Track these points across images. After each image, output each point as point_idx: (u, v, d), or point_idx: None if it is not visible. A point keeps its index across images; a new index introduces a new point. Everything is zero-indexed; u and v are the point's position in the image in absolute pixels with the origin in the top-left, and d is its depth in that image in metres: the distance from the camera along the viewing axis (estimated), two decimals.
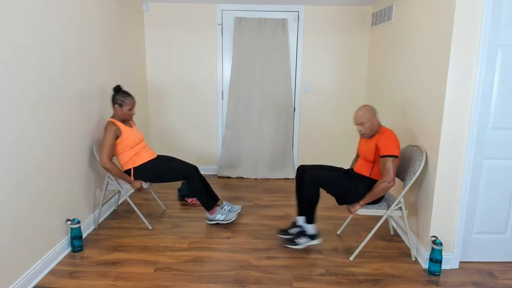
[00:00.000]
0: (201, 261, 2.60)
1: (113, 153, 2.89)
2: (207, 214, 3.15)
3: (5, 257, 2.06)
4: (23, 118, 2.16)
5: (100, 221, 3.19)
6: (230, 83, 4.33)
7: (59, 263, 2.54)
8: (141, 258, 2.61)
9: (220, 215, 3.14)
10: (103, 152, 2.82)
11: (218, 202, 3.22)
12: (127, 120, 3.05)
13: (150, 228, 3.08)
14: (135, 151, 2.98)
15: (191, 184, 3.00)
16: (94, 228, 3.06)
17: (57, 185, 2.54)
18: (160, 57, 4.35)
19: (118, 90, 2.96)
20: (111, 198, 3.40)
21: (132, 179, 2.96)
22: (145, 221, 3.12)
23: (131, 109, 2.96)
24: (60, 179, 2.58)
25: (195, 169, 3.06)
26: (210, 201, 3.10)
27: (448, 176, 2.44)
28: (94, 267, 2.49)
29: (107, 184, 3.03)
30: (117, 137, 2.88)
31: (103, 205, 3.18)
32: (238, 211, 3.26)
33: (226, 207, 3.23)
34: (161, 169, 2.98)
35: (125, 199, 3.71)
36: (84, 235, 2.90)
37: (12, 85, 2.05)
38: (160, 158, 3.17)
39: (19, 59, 2.10)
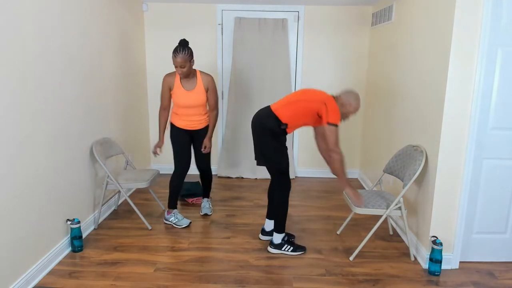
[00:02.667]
0: (201, 261, 2.60)
1: (167, 103, 3.03)
2: (166, 213, 3.19)
3: (5, 257, 2.06)
4: (23, 119, 2.16)
5: (100, 221, 3.19)
6: (230, 83, 4.33)
7: (59, 263, 2.54)
8: (141, 258, 2.61)
9: (174, 218, 3.13)
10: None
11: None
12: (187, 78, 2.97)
13: (150, 228, 3.08)
14: (178, 110, 3.02)
15: (173, 178, 3.10)
16: (94, 228, 3.06)
17: (57, 185, 2.53)
18: (160, 57, 4.35)
19: (179, 43, 2.85)
20: (111, 198, 3.40)
21: (163, 134, 3.11)
22: (145, 221, 3.11)
23: (176, 67, 2.81)
24: (60, 179, 2.58)
25: (181, 170, 3.08)
26: (176, 202, 3.17)
27: (448, 176, 2.44)
28: (94, 267, 2.49)
29: (106, 184, 3.03)
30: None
31: (103, 205, 3.18)
32: (186, 225, 3.12)
33: (176, 214, 3.17)
34: (175, 148, 3.08)
35: (125, 199, 3.71)
36: (84, 235, 2.89)
37: (12, 86, 2.05)
38: (192, 139, 3.15)
39: (19, 60, 2.10)
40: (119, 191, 3.50)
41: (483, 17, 2.22)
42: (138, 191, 3.50)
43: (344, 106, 2.52)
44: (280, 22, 4.20)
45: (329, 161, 2.73)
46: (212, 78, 3.01)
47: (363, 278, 2.41)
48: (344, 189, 2.47)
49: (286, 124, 2.52)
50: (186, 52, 2.78)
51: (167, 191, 4.01)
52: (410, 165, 2.60)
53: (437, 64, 2.46)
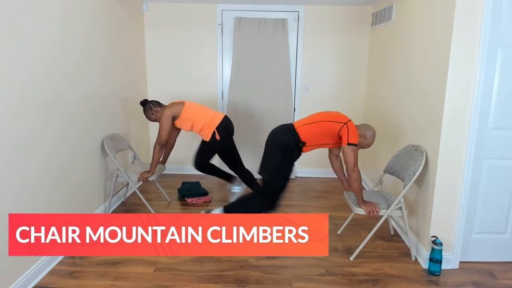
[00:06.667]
0: (201, 261, 2.59)
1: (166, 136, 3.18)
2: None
3: (5, 257, 2.05)
4: (27, 119, 2.16)
5: (110, 211, 3.19)
6: (230, 83, 4.33)
7: (59, 263, 2.53)
8: (141, 258, 2.61)
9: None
10: None
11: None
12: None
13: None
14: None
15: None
16: None
17: (58, 184, 2.53)
18: (160, 57, 4.35)
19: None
20: (119, 190, 3.40)
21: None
22: (151, 209, 3.30)
23: None
24: (61, 178, 2.58)
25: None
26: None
27: (448, 176, 2.44)
28: (94, 267, 2.49)
29: (116, 176, 3.18)
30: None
31: (113, 196, 3.25)
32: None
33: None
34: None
35: (129, 196, 3.71)
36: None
37: (13, 87, 2.05)
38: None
39: (23, 61, 2.10)
40: (127, 184, 3.69)
41: (483, 17, 2.22)
42: (142, 190, 3.45)
43: (361, 136, 2.64)
44: (280, 22, 4.20)
45: (348, 180, 2.80)
46: (162, 112, 3.18)
47: (363, 278, 2.41)
48: (361, 206, 2.56)
49: (304, 143, 2.60)
50: (144, 110, 3.26)
51: (167, 191, 4.00)
52: (411, 165, 2.60)
53: (437, 64, 2.45)
